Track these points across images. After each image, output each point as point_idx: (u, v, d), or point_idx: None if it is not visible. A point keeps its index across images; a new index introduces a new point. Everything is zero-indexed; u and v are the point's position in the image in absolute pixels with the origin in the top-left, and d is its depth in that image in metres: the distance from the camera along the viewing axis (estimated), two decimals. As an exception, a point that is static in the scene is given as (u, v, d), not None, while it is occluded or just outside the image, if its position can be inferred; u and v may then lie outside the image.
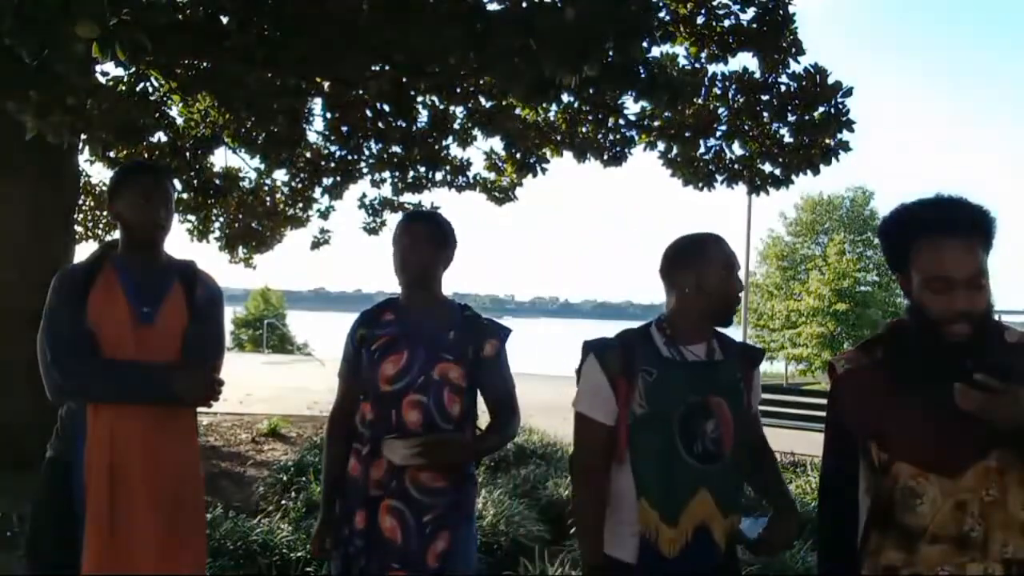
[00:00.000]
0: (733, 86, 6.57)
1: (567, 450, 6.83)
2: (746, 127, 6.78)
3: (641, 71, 4.63)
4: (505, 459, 6.07)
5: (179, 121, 8.23)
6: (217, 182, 8.81)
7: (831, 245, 27.21)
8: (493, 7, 5.18)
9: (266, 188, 10.08)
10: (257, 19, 4.85)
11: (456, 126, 8.28)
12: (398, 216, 3.52)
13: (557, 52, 3.99)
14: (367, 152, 8.47)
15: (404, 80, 5.85)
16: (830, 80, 6.15)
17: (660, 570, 1.95)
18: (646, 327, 2.10)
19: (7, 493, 5.13)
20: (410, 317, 2.37)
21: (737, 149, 7.05)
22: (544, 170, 8.29)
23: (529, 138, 8.03)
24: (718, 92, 6.66)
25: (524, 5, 4.68)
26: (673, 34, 6.23)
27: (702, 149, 7.14)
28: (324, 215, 10.34)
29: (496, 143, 8.44)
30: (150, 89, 6.74)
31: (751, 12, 6.12)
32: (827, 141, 6.43)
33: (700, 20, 6.31)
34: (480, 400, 2.40)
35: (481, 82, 6.76)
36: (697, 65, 6.55)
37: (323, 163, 8.95)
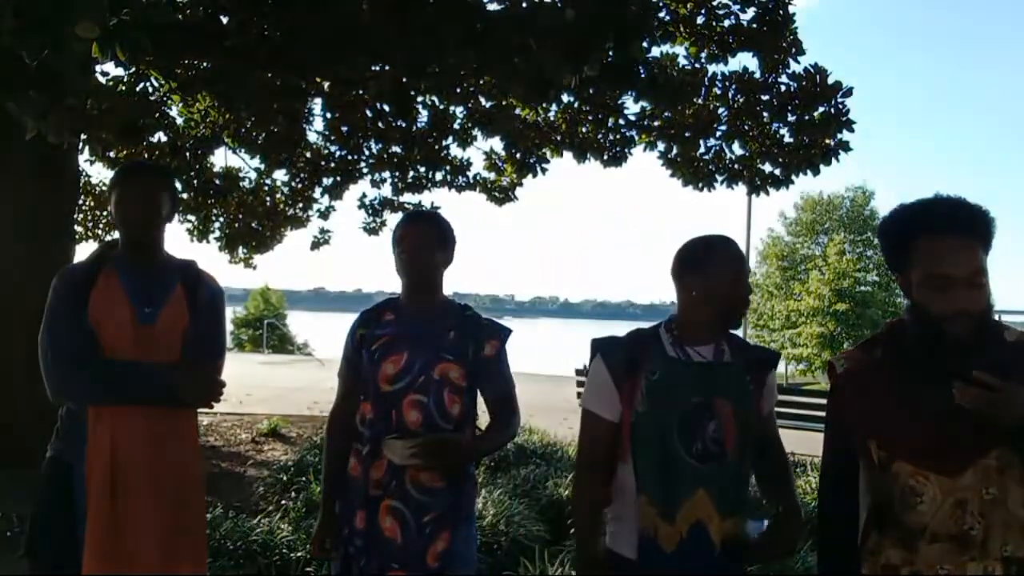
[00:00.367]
0: (733, 86, 6.57)
1: (567, 450, 6.82)
2: (746, 127, 6.79)
3: (641, 71, 4.64)
4: (505, 459, 6.07)
5: (179, 121, 8.24)
6: (217, 182, 8.82)
7: (831, 245, 27.22)
8: (493, 7, 5.18)
9: (266, 188, 10.09)
10: (257, 19, 4.85)
11: (456, 126, 8.29)
12: (398, 216, 3.52)
13: (557, 52, 3.99)
14: (367, 152, 8.48)
15: (404, 80, 5.85)
16: (830, 80, 6.15)
17: (660, 565, 1.97)
18: (656, 327, 2.12)
19: (7, 493, 5.13)
20: (410, 317, 2.37)
21: (737, 149, 7.06)
22: (544, 170, 8.30)
23: (529, 138, 8.04)
24: (718, 92, 6.67)
25: (524, 5, 4.68)
26: (673, 34, 6.23)
27: (702, 149, 7.15)
28: (324, 215, 10.35)
29: (496, 143, 8.46)
30: (150, 89, 6.75)
31: (751, 12, 6.13)
32: (827, 141, 6.44)
33: (700, 20, 6.31)
34: (480, 400, 2.40)
35: (481, 82, 6.76)
36: (697, 65, 6.56)
37: (323, 163, 8.96)
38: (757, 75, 6.48)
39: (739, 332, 2.23)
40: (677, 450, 1.96)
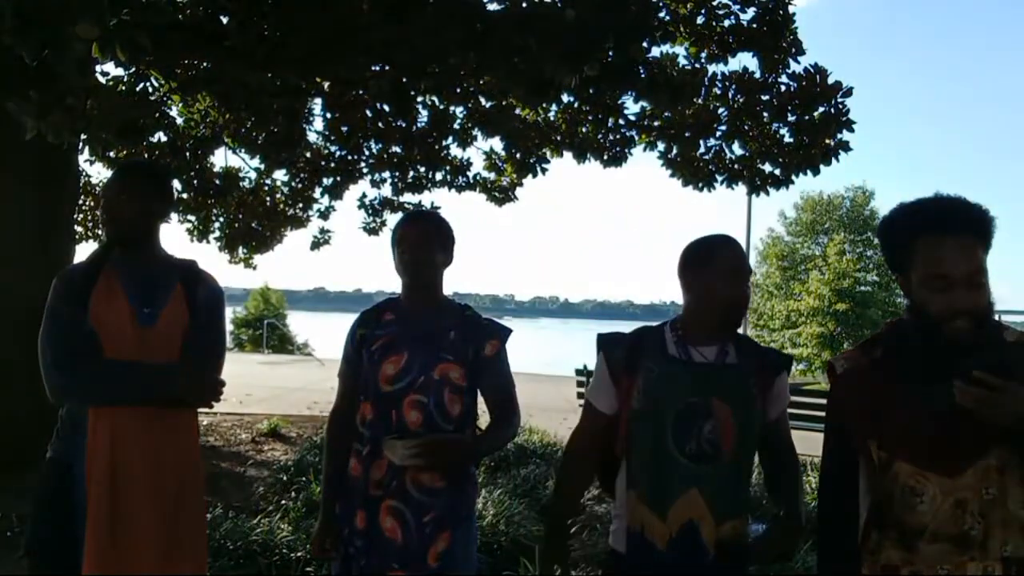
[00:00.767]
0: (733, 86, 6.57)
1: (567, 450, 6.83)
2: (746, 127, 6.79)
3: (641, 71, 4.64)
4: (505, 459, 6.07)
5: (179, 121, 8.24)
6: (217, 182, 8.82)
7: (831, 245, 27.23)
8: (493, 7, 5.18)
9: (266, 188, 10.09)
10: (257, 19, 4.85)
11: (456, 126, 8.28)
12: (398, 216, 3.51)
13: (557, 52, 3.99)
14: (367, 152, 8.48)
15: (404, 80, 5.85)
16: (830, 80, 6.15)
17: (650, 562, 1.99)
18: (662, 325, 2.14)
19: (7, 493, 5.13)
20: (410, 317, 2.36)
21: (737, 149, 7.06)
22: (544, 170, 8.30)
23: (529, 138, 8.04)
24: (718, 92, 6.67)
25: (524, 5, 4.68)
26: (673, 34, 6.23)
27: (702, 149, 7.15)
28: (324, 215, 10.35)
29: (496, 143, 8.46)
30: (150, 89, 6.74)
31: (751, 12, 6.13)
32: (827, 141, 6.44)
33: (700, 20, 6.31)
34: (480, 400, 2.40)
35: (481, 82, 6.76)
36: (697, 65, 6.56)
37: (323, 163, 8.96)
38: (757, 75, 6.48)
39: (739, 332, 2.22)
40: (670, 449, 1.98)
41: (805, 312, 26.10)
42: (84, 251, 7.83)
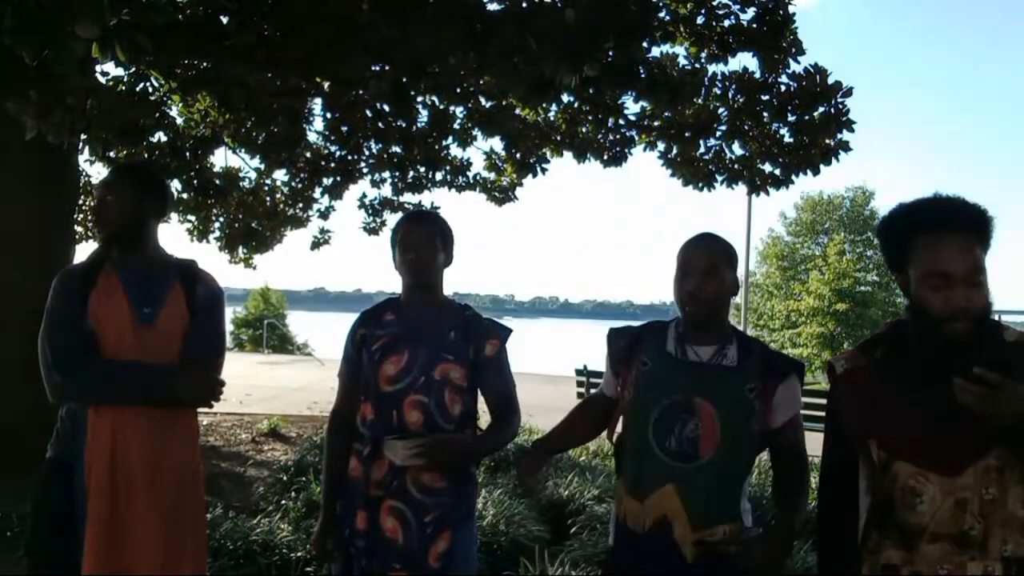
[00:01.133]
0: (733, 86, 6.56)
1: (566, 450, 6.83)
2: (746, 127, 6.78)
3: (641, 71, 4.63)
4: (505, 459, 6.07)
5: (179, 121, 8.23)
6: (217, 182, 8.81)
7: (831, 245, 27.25)
8: (493, 7, 5.18)
9: (266, 188, 10.09)
10: (257, 19, 4.85)
11: (456, 126, 8.28)
12: (398, 216, 3.52)
13: (557, 52, 3.98)
14: (367, 152, 8.47)
15: (404, 80, 5.84)
16: (830, 80, 6.15)
17: (631, 550, 2.04)
18: (671, 321, 2.17)
19: (7, 493, 5.13)
20: (411, 317, 2.36)
21: (737, 149, 7.05)
22: (544, 170, 8.29)
23: (529, 138, 8.04)
24: (718, 92, 6.66)
25: (524, 5, 4.67)
26: (673, 34, 6.22)
27: (702, 149, 7.15)
28: (324, 215, 10.35)
29: (496, 143, 8.45)
30: (150, 89, 6.74)
31: (751, 12, 6.12)
32: (827, 141, 6.43)
33: (700, 20, 6.30)
34: (481, 400, 2.40)
35: (481, 82, 6.76)
36: (697, 65, 6.55)
37: (323, 163, 8.95)
38: (757, 75, 6.47)
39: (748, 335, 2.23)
40: (651, 443, 2.01)
41: (805, 312, 26.12)
42: (84, 251, 7.83)
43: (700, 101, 6.73)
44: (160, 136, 7.83)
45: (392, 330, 2.34)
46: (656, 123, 7.22)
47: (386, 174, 9.07)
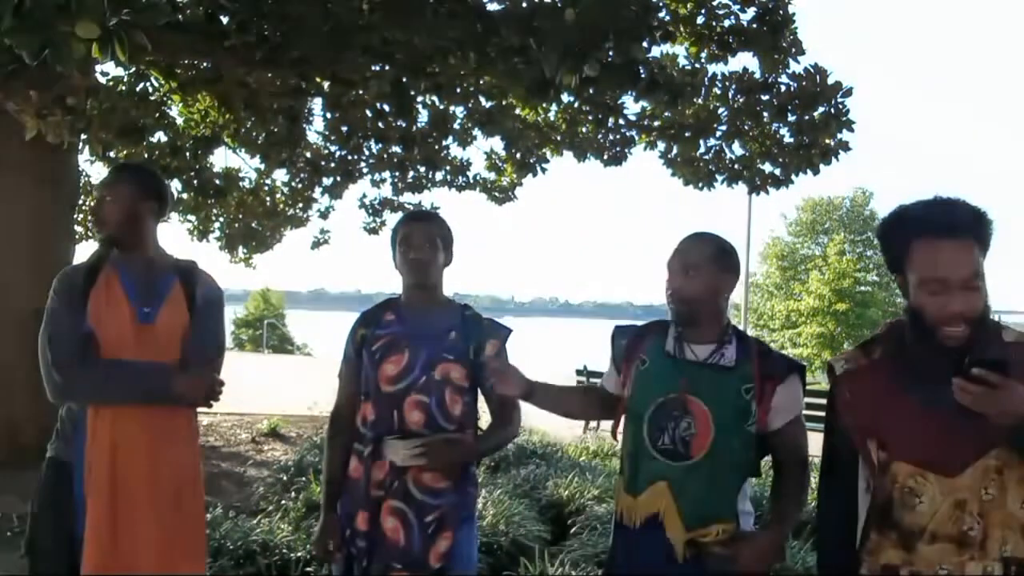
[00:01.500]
0: (733, 86, 6.56)
1: (567, 450, 6.83)
2: (746, 127, 6.78)
3: (641, 71, 4.63)
4: (505, 459, 6.07)
5: (179, 121, 8.23)
6: (217, 182, 8.81)
7: (831, 245, 27.26)
8: (493, 7, 5.18)
9: (266, 188, 10.09)
10: (257, 19, 4.85)
11: (456, 126, 8.28)
12: (398, 216, 3.52)
13: (557, 52, 3.98)
14: (367, 152, 8.47)
15: (404, 80, 5.85)
16: (830, 80, 6.15)
17: (625, 544, 2.06)
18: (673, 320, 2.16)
19: (7, 493, 5.13)
20: (411, 317, 2.36)
21: (737, 149, 7.05)
22: (544, 170, 8.30)
23: (529, 138, 8.04)
24: (718, 92, 6.66)
25: (524, 5, 4.67)
26: (673, 34, 6.22)
27: (702, 149, 7.15)
28: (324, 215, 10.35)
29: (496, 143, 8.46)
30: (150, 89, 6.74)
31: (751, 12, 6.11)
32: (827, 141, 6.44)
33: (700, 20, 6.30)
34: (481, 400, 2.40)
35: (481, 82, 6.76)
36: (697, 65, 6.55)
37: (323, 163, 8.95)
38: (757, 75, 6.47)
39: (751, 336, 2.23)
40: (645, 441, 2.02)
41: (805, 312, 26.13)
42: (84, 251, 7.84)
43: (700, 101, 6.73)
44: (160, 136, 7.83)
45: (392, 330, 2.34)
46: (656, 123, 7.22)
47: (386, 174, 9.07)
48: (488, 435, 2.38)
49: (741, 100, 6.59)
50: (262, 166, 9.25)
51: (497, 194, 9.28)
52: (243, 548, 3.79)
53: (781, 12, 5.95)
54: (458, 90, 6.89)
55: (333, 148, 8.70)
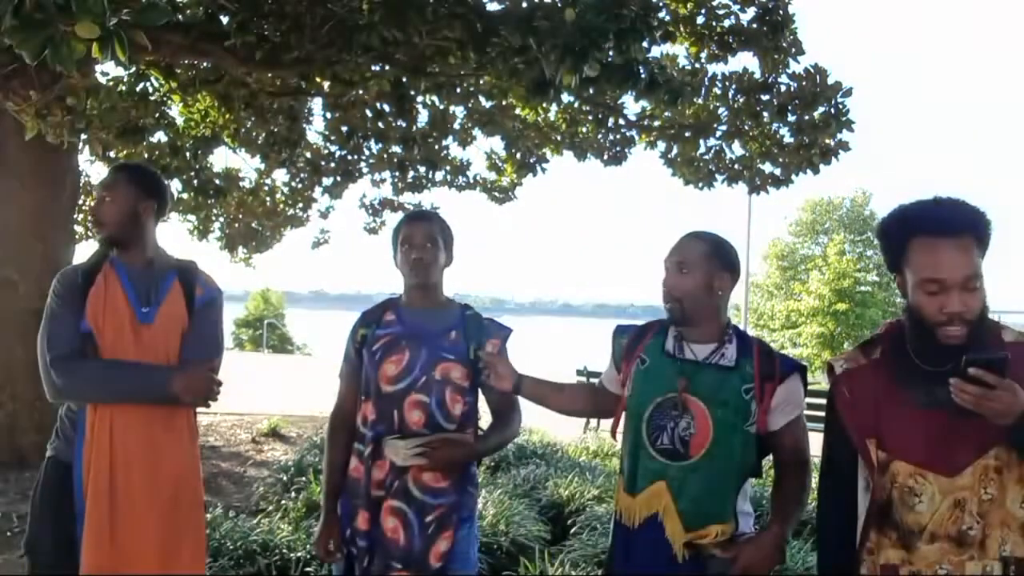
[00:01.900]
0: (733, 86, 6.57)
1: (567, 450, 6.83)
2: (746, 127, 6.79)
3: (641, 71, 4.63)
4: (505, 459, 6.07)
5: (179, 121, 8.23)
6: (217, 182, 8.81)
7: (831, 245, 27.25)
8: (493, 7, 5.18)
9: (266, 188, 10.09)
10: (257, 19, 4.85)
11: (456, 126, 8.28)
12: (398, 216, 3.51)
13: (557, 52, 3.98)
14: (367, 152, 8.47)
15: (404, 80, 5.85)
16: (830, 80, 6.15)
17: (624, 544, 2.06)
18: None
19: (7, 493, 5.13)
20: (411, 317, 2.37)
21: (737, 149, 7.06)
22: (544, 170, 8.31)
23: (529, 138, 8.05)
24: (718, 92, 6.67)
25: (524, 5, 4.68)
26: (673, 34, 6.22)
27: (702, 149, 7.16)
28: (324, 215, 10.35)
29: (496, 143, 8.47)
30: (150, 89, 6.74)
31: (751, 12, 6.12)
32: (827, 141, 6.44)
33: (700, 20, 6.31)
34: (482, 400, 2.40)
35: (481, 82, 6.76)
36: (697, 65, 6.56)
37: (323, 163, 8.95)
38: (757, 75, 6.48)
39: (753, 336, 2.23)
40: (644, 440, 2.02)
41: (805, 312, 26.12)
42: (84, 251, 7.84)
43: (700, 101, 6.73)
44: (160, 136, 7.83)
45: (393, 330, 2.34)
46: (656, 123, 7.23)
47: (386, 174, 9.07)
48: (488, 435, 2.38)
49: (741, 100, 6.59)
50: (262, 166, 9.25)
51: (497, 194, 9.28)
52: (243, 548, 3.79)
53: (781, 12, 5.95)
54: (458, 90, 6.89)
55: (333, 148, 8.70)
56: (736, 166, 7.13)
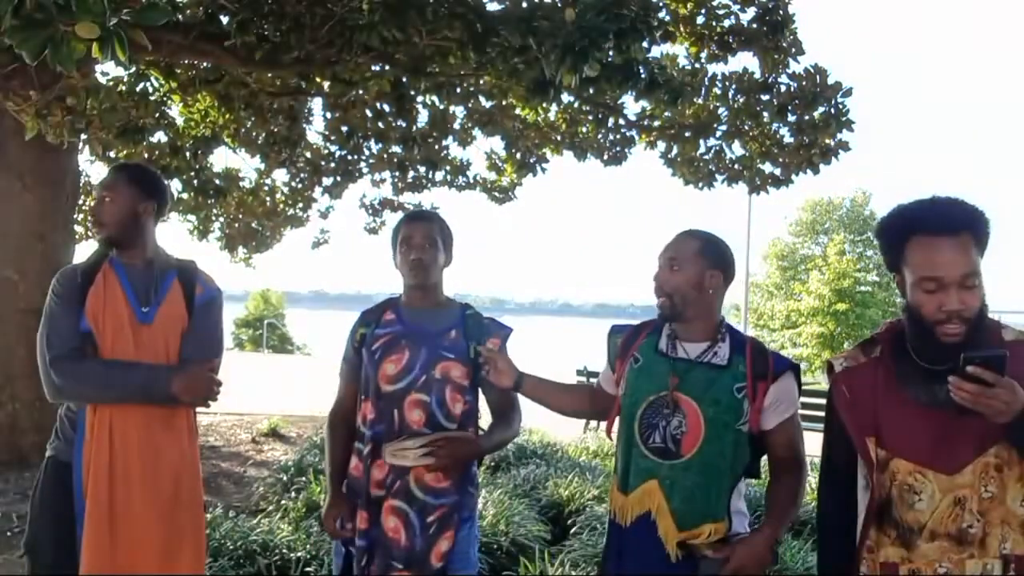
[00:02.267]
0: (733, 86, 6.57)
1: (567, 450, 6.83)
2: (746, 127, 6.79)
3: (641, 71, 4.63)
4: (505, 459, 6.07)
5: (179, 121, 8.23)
6: (217, 182, 8.81)
7: (831, 245, 27.25)
8: (493, 7, 5.18)
9: (266, 188, 10.09)
10: (257, 19, 4.85)
11: (456, 126, 8.29)
12: (398, 216, 3.51)
13: (557, 52, 3.98)
14: (367, 152, 8.48)
15: (404, 80, 5.85)
16: (830, 80, 6.15)
17: (617, 543, 2.06)
18: None
19: (7, 493, 5.13)
20: (411, 316, 2.37)
21: (737, 149, 7.07)
22: (544, 170, 8.31)
23: (529, 138, 8.05)
24: (718, 92, 6.67)
25: (524, 5, 4.68)
26: (673, 34, 6.23)
27: (702, 149, 7.16)
28: (324, 215, 10.36)
29: (496, 143, 8.47)
30: (150, 89, 6.73)
31: (751, 12, 6.12)
32: (827, 141, 6.44)
33: (700, 20, 6.31)
34: (481, 399, 2.40)
35: (481, 82, 6.76)
36: (697, 65, 6.56)
37: (323, 163, 8.96)
38: (757, 75, 6.48)
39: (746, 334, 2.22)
40: (636, 439, 2.03)
41: (805, 312, 26.12)
42: (84, 251, 7.83)
43: (700, 101, 6.74)
44: (160, 136, 7.83)
45: (392, 329, 2.35)
46: (656, 123, 7.24)
47: (386, 174, 9.08)
48: (491, 432, 2.37)
49: (741, 100, 6.60)
50: (262, 166, 9.25)
51: (497, 194, 9.28)
52: (243, 548, 3.79)
53: (781, 12, 5.95)
54: (458, 90, 6.89)
55: (333, 148, 8.70)
56: (736, 166, 7.13)
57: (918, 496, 1.66)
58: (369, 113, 7.60)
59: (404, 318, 2.37)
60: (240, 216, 10.10)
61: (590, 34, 3.91)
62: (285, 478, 5.49)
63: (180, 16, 5.04)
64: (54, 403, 2.26)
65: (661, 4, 5.92)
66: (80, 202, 8.12)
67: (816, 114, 6.27)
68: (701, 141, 7.04)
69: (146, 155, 7.46)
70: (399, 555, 2.22)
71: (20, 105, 4.62)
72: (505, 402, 2.39)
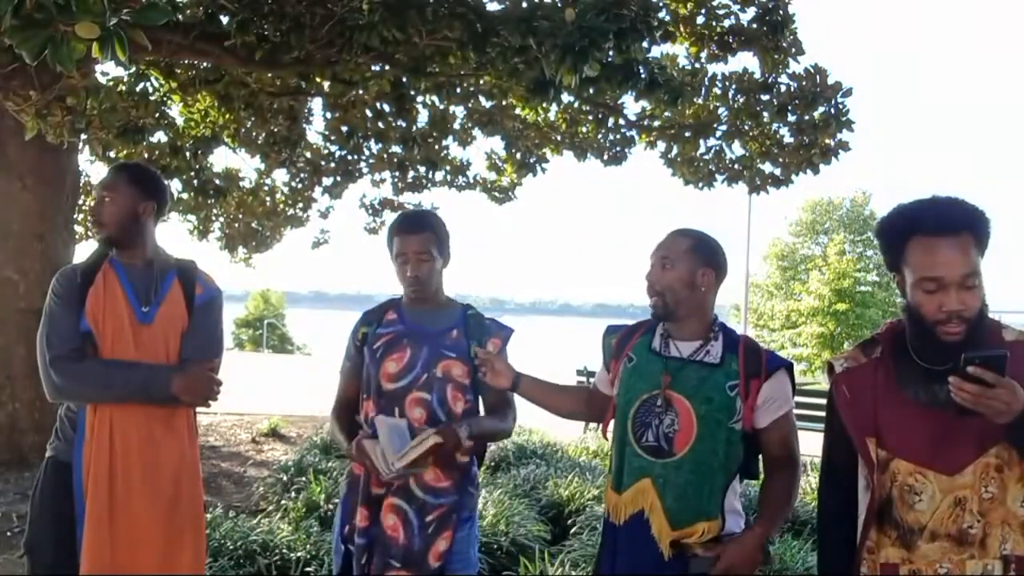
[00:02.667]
0: (733, 86, 6.58)
1: (567, 450, 6.83)
2: (746, 127, 6.79)
3: (641, 71, 4.63)
4: (505, 459, 6.08)
5: (179, 121, 8.24)
6: (217, 182, 8.82)
7: (831, 245, 27.25)
8: (493, 7, 5.18)
9: (266, 188, 10.09)
10: (257, 19, 4.85)
11: (456, 126, 8.29)
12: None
13: (557, 52, 3.99)
14: (367, 152, 8.48)
15: (404, 80, 5.85)
16: (830, 80, 6.16)
17: (611, 541, 2.06)
18: None
19: (7, 493, 5.13)
20: (413, 316, 2.37)
21: (737, 149, 7.07)
22: (544, 170, 8.31)
23: (529, 138, 8.06)
24: (718, 92, 6.68)
25: (524, 5, 4.68)
26: (673, 34, 6.23)
27: (702, 149, 7.16)
28: (324, 215, 10.36)
29: (496, 143, 8.48)
30: (150, 89, 6.74)
31: (751, 12, 6.13)
32: (827, 141, 6.45)
33: (700, 20, 6.31)
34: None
35: (481, 82, 6.77)
36: (697, 65, 6.57)
37: (323, 163, 8.96)
38: (757, 75, 6.49)
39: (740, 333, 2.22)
40: (629, 438, 2.03)
41: (805, 312, 26.12)
42: (84, 251, 7.83)
43: (700, 101, 6.74)
44: (160, 136, 7.84)
45: (394, 328, 2.35)
46: (656, 123, 7.24)
47: (386, 174, 9.09)
48: (480, 421, 2.32)
49: (741, 100, 6.60)
50: (262, 166, 9.25)
51: (497, 194, 9.29)
52: (243, 548, 3.79)
53: (781, 12, 5.96)
54: (458, 90, 6.90)
55: (333, 148, 8.71)
56: (736, 166, 7.14)
57: (918, 496, 1.66)
58: (369, 113, 7.60)
59: (406, 318, 2.37)
60: (240, 216, 10.10)
61: (590, 34, 3.91)
62: (285, 478, 5.49)
63: (180, 16, 5.04)
64: (54, 403, 2.26)
65: (661, 4, 5.92)
66: (80, 202, 8.12)
67: (816, 114, 6.28)
68: (701, 141, 7.04)
69: (146, 155, 7.46)
70: (397, 553, 2.22)
71: (20, 105, 4.62)
72: (500, 401, 2.39)
